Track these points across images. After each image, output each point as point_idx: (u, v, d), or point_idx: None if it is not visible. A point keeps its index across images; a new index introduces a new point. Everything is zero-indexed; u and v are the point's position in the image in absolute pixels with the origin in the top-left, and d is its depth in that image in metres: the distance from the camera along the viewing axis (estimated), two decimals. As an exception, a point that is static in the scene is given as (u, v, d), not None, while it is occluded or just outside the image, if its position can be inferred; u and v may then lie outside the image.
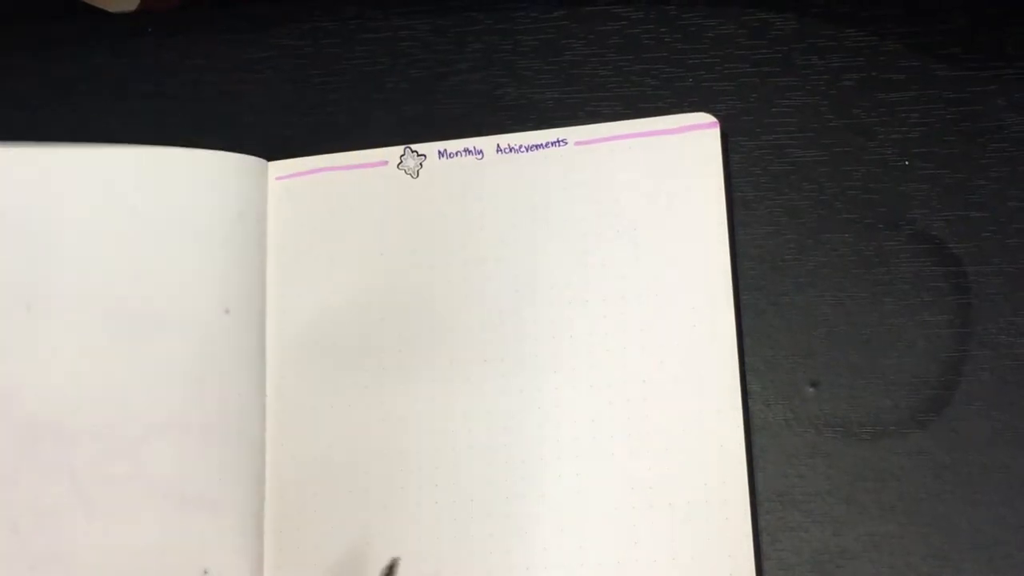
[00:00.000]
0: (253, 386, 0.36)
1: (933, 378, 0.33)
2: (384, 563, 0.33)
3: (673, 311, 0.34)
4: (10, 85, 0.42)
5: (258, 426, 0.36)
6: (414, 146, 0.37)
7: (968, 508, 0.32)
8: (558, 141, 0.36)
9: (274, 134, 0.38)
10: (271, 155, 0.38)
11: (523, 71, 0.38)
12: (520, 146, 0.37)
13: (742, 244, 0.35)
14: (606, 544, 0.33)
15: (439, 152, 0.37)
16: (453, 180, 0.37)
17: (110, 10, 0.42)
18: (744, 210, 0.35)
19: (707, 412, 0.33)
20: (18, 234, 0.35)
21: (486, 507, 0.34)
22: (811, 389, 0.34)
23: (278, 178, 0.38)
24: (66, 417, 0.34)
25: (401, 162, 0.37)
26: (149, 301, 0.35)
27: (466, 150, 0.37)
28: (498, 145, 0.37)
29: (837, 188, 0.35)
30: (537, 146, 0.36)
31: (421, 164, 0.37)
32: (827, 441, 0.33)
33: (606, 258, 0.35)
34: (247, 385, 0.36)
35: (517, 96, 0.38)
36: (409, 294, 0.36)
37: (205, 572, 0.33)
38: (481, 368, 0.35)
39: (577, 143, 0.36)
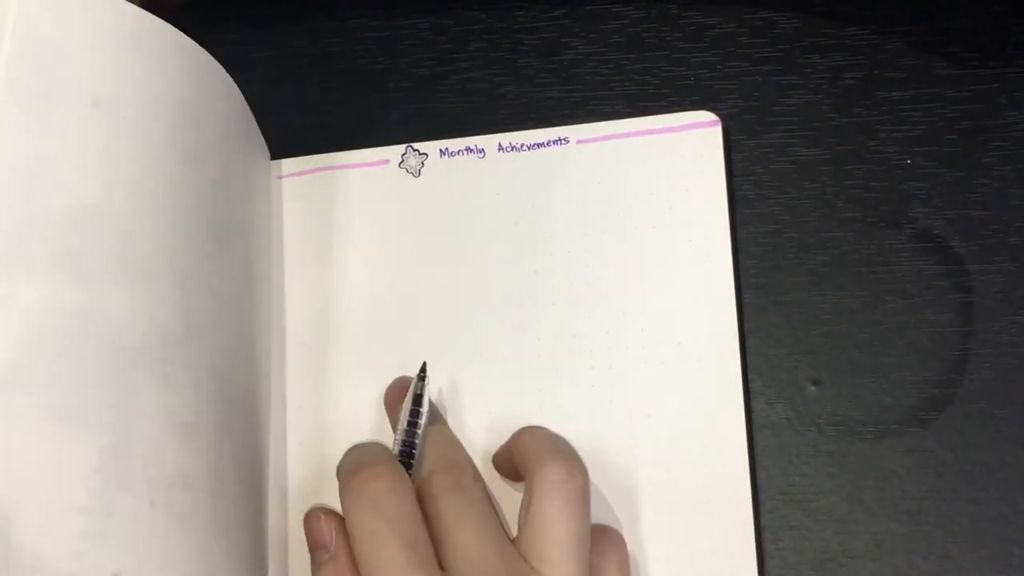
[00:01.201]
0: (267, 387, 0.36)
1: (935, 377, 0.33)
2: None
3: (674, 310, 0.34)
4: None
5: (276, 424, 0.36)
6: (415, 145, 0.37)
7: (970, 507, 0.32)
8: (559, 140, 0.36)
9: (275, 133, 0.38)
10: (272, 154, 0.38)
11: (524, 70, 0.38)
12: (521, 145, 0.37)
13: (744, 243, 0.35)
14: (608, 543, 0.33)
15: (440, 151, 0.37)
16: (455, 179, 0.37)
17: (110, 9, 0.41)
18: (746, 208, 0.35)
19: (709, 411, 0.33)
20: None
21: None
22: (813, 388, 0.34)
23: (279, 177, 0.38)
24: None
25: (403, 161, 0.37)
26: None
27: (468, 149, 0.37)
28: (499, 144, 0.37)
29: (838, 187, 0.35)
30: (538, 145, 0.36)
31: (423, 163, 0.37)
32: (829, 440, 0.33)
33: (608, 257, 0.35)
34: (273, 380, 0.36)
35: (518, 95, 0.38)
36: (410, 293, 0.36)
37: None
38: (482, 367, 0.35)
39: (579, 142, 0.36)
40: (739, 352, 0.34)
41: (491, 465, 0.34)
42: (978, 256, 0.34)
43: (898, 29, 0.36)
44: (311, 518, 0.32)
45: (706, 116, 0.36)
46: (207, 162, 0.33)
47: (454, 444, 0.33)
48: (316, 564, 0.31)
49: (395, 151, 0.37)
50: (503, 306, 0.35)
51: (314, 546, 0.32)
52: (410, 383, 0.33)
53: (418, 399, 0.32)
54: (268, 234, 0.37)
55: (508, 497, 0.33)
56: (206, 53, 0.33)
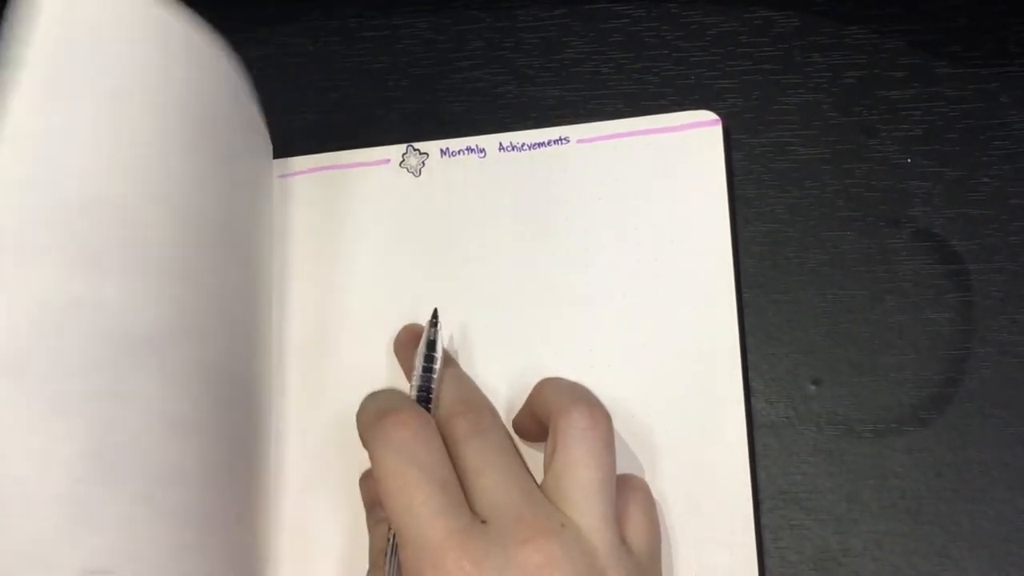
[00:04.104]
0: (267, 384, 0.36)
1: (935, 376, 0.33)
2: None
3: (675, 309, 0.34)
4: (10, 84, 0.42)
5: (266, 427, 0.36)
6: (416, 144, 0.37)
7: (970, 506, 0.32)
8: (560, 139, 0.36)
9: (275, 133, 0.38)
10: (273, 154, 0.38)
11: (524, 69, 0.38)
12: (522, 144, 0.37)
13: (744, 242, 0.35)
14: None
15: (441, 150, 0.37)
16: (455, 178, 0.37)
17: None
18: (746, 207, 0.36)
19: (709, 410, 0.33)
20: None
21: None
22: (813, 387, 0.34)
23: (280, 176, 0.38)
24: None
25: (403, 160, 0.37)
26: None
27: (468, 148, 0.37)
28: (500, 143, 0.37)
29: (839, 186, 0.35)
30: (539, 144, 0.36)
31: (423, 162, 0.37)
32: (829, 439, 0.33)
33: (608, 256, 0.35)
34: (274, 378, 0.36)
35: (518, 94, 0.38)
36: (410, 293, 0.36)
37: None
38: (481, 366, 0.35)
39: (579, 141, 0.36)
40: (739, 351, 0.34)
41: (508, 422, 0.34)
42: (978, 255, 0.34)
43: (898, 28, 0.36)
44: (367, 477, 0.33)
45: (706, 115, 0.36)
46: (214, 157, 0.32)
47: (470, 386, 0.33)
48: (373, 522, 0.32)
49: (396, 150, 0.37)
50: (502, 305, 0.35)
51: (370, 505, 0.32)
52: (419, 329, 0.33)
53: (432, 344, 0.32)
54: (271, 232, 0.37)
55: (527, 452, 0.34)
56: (216, 43, 0.33)
